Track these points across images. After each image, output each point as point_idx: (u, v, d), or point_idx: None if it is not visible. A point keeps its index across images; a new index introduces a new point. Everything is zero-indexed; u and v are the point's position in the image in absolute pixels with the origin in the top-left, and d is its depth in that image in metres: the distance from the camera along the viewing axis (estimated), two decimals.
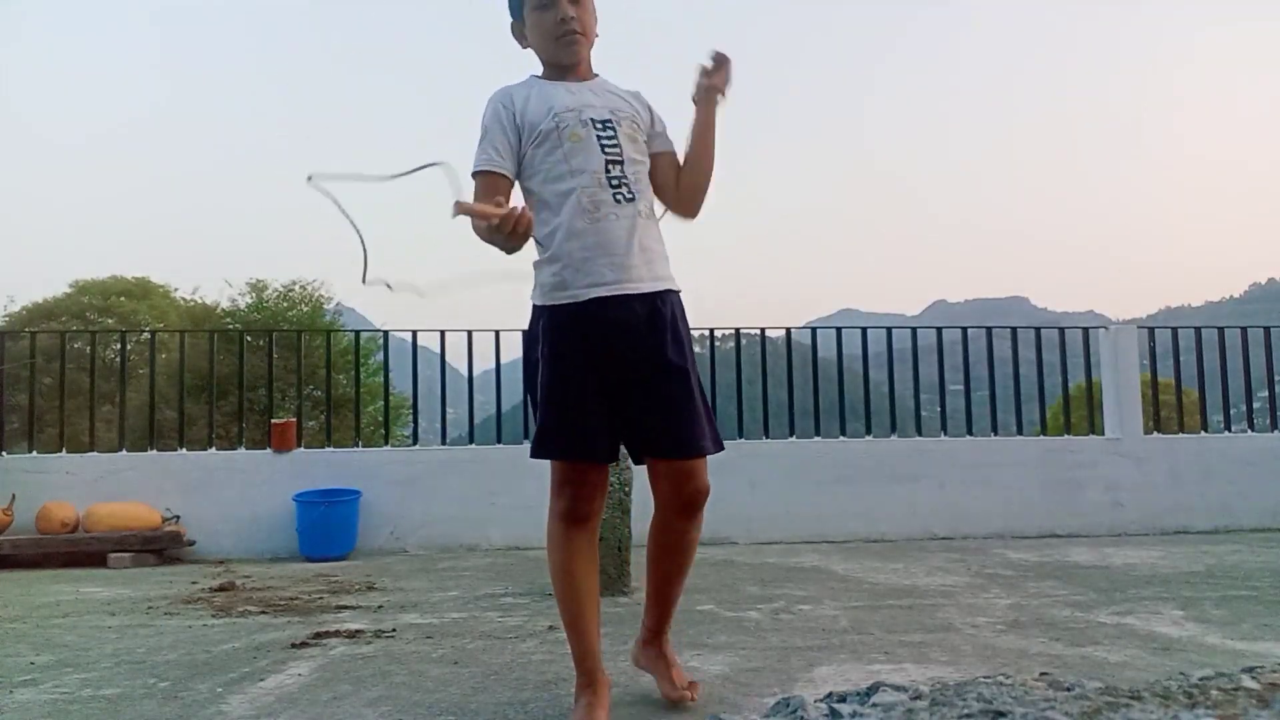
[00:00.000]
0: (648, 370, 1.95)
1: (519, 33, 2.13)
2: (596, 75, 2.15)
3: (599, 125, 2.01)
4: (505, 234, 1.74)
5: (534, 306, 2.04)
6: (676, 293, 2.05)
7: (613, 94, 2.11)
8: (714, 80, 2.11)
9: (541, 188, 2.02)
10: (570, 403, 1.94)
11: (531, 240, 1.92)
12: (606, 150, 2.00)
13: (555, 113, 2.01)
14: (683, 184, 2.14)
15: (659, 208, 2.13)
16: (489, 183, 1.99)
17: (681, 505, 2.00)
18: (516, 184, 2.06)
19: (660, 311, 1.98)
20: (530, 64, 2.16)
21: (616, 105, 2.08)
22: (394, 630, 3.06)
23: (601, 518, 2.10)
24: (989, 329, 7.06)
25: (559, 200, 1.98)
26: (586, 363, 1.94)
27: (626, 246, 1.96)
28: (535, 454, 1.96)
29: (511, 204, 1.80)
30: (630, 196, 1.99)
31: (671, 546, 2.08)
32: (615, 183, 1.98)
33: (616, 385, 1.95)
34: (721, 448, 2.02)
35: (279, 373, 9.97)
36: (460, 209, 1.71)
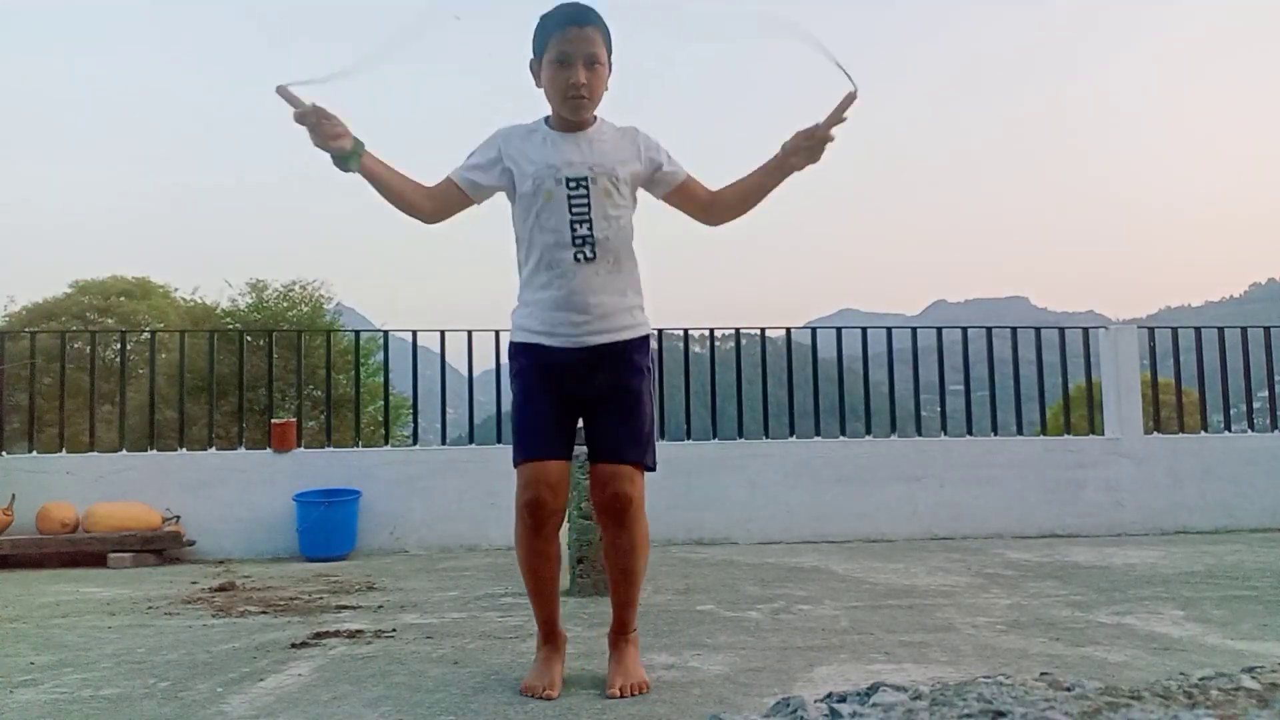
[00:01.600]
0: (594, 397, 2.22)
1: (535, 71, 2.26)
2: (596, 119, 2.28)
3: (571, 184, 2.18)
4: (310, 131, 2.01)
5: (511, 342, 2.31)
6: (634, 341, 2.25)
7: (603, 145, 2.25)
8: (811, 145, 2.16)
9: (517, 227, 2.28)
10: (528, 415, 2.22)
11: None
12: (573, 210, 2.18)
13: (536, 170, 2.20)
14: (719, 205, 2.32)
15: (628, 258, 2.27)
16: (447, 184, 2.26)
17: (604, 508, 2.21)
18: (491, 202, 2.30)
19: (608, 357, 2.21)
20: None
21: (599, 160, 2.22)
22: (394, 630, 3.06)
23: (562, 519, 2.25)
24: (989, 329, 7.06)
25: (529, 253, 2.24)
26: (542, 388, 2.22)
27: (580, 305, 2.18)
28: (514, 462, 2.21)
29: (319, 110, 2.02)
30: (590, 256, 2.18)
31: (609, 551, 2.28)
32: (578, 242, 2.18)
33: (572, 405, 2.23)
34: (648, 467, 2.24)
35: (279, 373, 9.97)
36: (279, 91, 1.99)
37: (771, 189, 2.27)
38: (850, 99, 2.09)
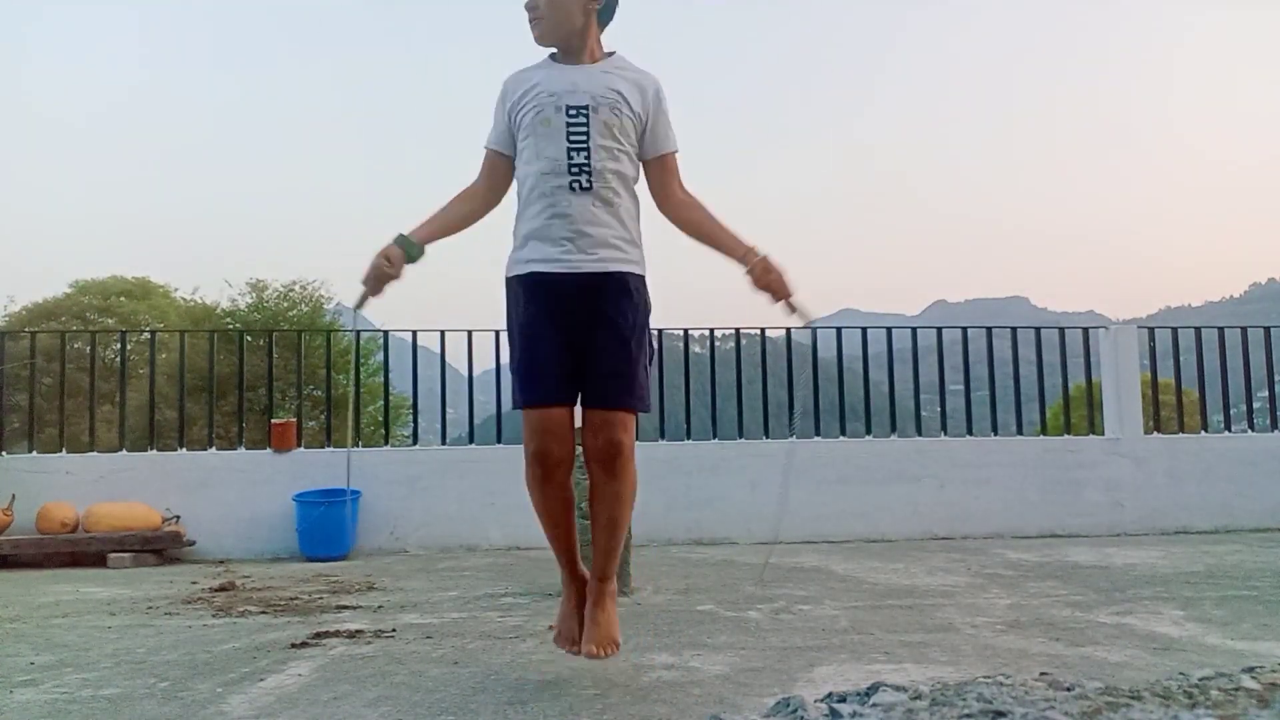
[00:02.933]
0: (586, 335, 2.19)
1: None
2: (612, 54, 2.29)
3: (571, 112, 2.18)
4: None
5: (505, 279, 2.30)
6: (624, 274, 2.21)
7: (611, 78, 2.23)
8: (773, 290, 2.24)
9: (519, 170, 2.28)
10: (528, 359, 2.21)
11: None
12: (571, 138, 2.17)
13: (537, 99, 2.21)
14: (680, 211, 2.32)
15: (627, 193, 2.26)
16: (487, 155, 2.32)
17: (596, 455, 2.20)
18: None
19: (601, 289, 2.18)
20: None
21: (603, 91, 2.20)
22: (394, 630, 3.06)
23: (571, 467, 2.25)
24: (989, 329, 7.06)
25: (524, 184, 2.24)
26: (540, 324, 2.20)
27: (572, 231, 2.17)
28: (515, 405, 2.24)
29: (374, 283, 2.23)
30: (586, 186, 2.17)
31: (596, 496, 2.26)
32: (575, 170, 2.17)
33: (571, 342, 2.19)
34: (640, 408, 2.24)
35: (279, 373, 9.97)
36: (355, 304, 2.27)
37: (719, 251, 2.30)
38: (799, 315, 2.26)
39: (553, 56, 2.29)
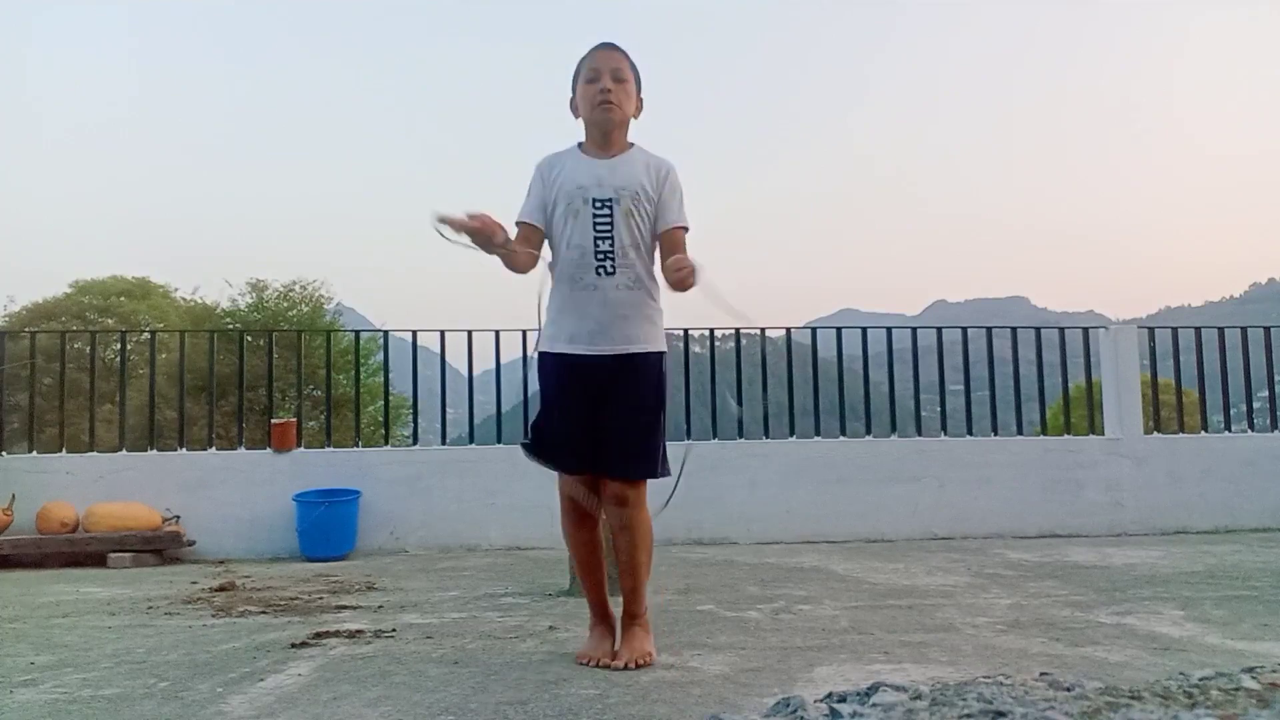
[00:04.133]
0: (607, 409, 2.42)
1: (573, 105, 2.55)
2: (632, 146, 2.52)
3: (598, 204, 2.41)
4: (481, 241, 2.26)
5: (539, 352, 2.53)
6: (644, 355, 2.44)
7: (631, 170, 2.46)
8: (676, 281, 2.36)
9: (552, 253, 2.50)
10: (554, 428, 2.46)
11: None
12: (598, 228, 2.40)
13: (567, 191, 2.44)
14: (665, 275, 2.46)
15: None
16: (523, 231, 2.49)
17: (607, 502, 2.46)
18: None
19: (624, 369, 2.41)
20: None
21: (625, 183, 2.43)
22: (394, 630, 3.06)
23: (601, 517, 2.51)
24: (989, 329, 7.06)
25: (558, 268, 2.47)
26: (568, 394, 2.44)
27: (600, 315, 2.41)
28: (526, 452, 2.49)
29: (473, 216, 2.25)
30: (611, 271, 2.40)
31: (615, 546, 2.52)
32: (600, 257, 2.40)
33: (593, 416, 2.41)
34: (649, 475, 2.46)
35: (279, 373, 9.97)
36: (440, 216, 2.21)
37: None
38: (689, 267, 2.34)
39: (580, 146, 2.52)
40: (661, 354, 2.50)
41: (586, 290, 2.40)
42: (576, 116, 2.54)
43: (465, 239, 2.26)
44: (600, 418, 2.41)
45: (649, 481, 2.50)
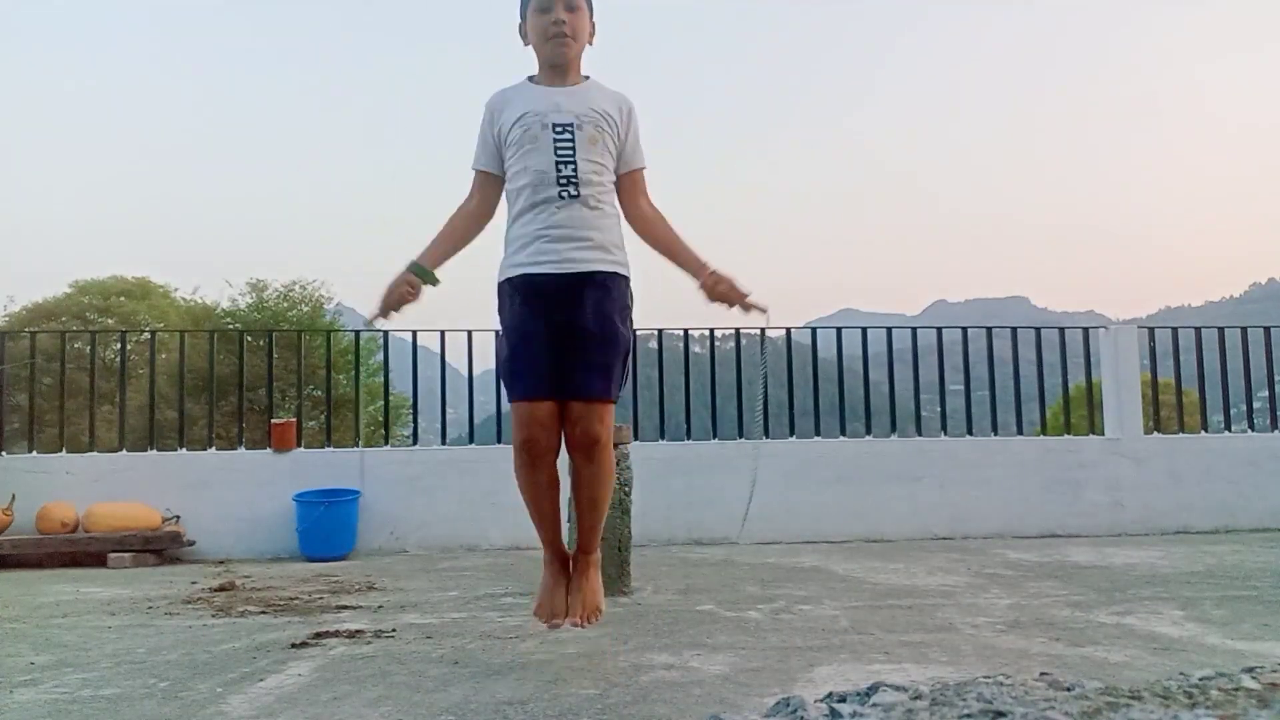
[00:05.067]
0: (569, 332, 2.33)
1: (522, 31, 2.47)
2: (587, 78, 2.46)
3: (557, 129, 2.35)
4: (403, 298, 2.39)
5: (497, 284, 2.46)
6: (610, 274, 2.38)
7: (589, 97, 2.41)
8: (723, 296, 2.41)
9: (509, 185, 2.43)
10: (517, 355, 2.36)
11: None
12: (559, 152, 2.34)
13: (523, 117, 2.37)
14: (645, 225, 2.49)
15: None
16: (479, 179, 2.48)
17: (576, 442, 2.38)
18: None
19: (587, 288, 2.34)
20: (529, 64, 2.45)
21: (584, 110, 2.38)
22: (394, 630, 3.05)
23: (556, 455, 2.41)
24: (989, 329, 7.06)
25: (515, 194, 2.40)
26: (529, 323, 2.35)
27: (561, 235, 2.33)
28: (510, 398, 2.39)
29: (393, 298, 2.39)
30: (574, 194, 2.34)
31: (577, 482, 2.46)
32: (563, 181, 2.34)
33: (558, 338, 2.33)
34: (610, 397, 2.38)
35: (279, 373, 9.97)
36: (370, 320, 2.43)
37: (676, 264, 2.48)
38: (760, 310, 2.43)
39: (531, 79, 2.46)
40: (626, 279, 2.44)
41: (549, 213, 2.34)
42: (526, 44, 2.47)
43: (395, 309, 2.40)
44: (563, 339, 2.33)
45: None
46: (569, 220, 2.34)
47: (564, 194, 2.33)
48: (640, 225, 2.49)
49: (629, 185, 2.46)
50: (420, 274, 2.42)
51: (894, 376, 6.94)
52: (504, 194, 2.46)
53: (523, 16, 2.45)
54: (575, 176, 2.34)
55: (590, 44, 2.46)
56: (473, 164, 2.48)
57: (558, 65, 2.41)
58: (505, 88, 2.47)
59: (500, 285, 2.43)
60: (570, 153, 2.34)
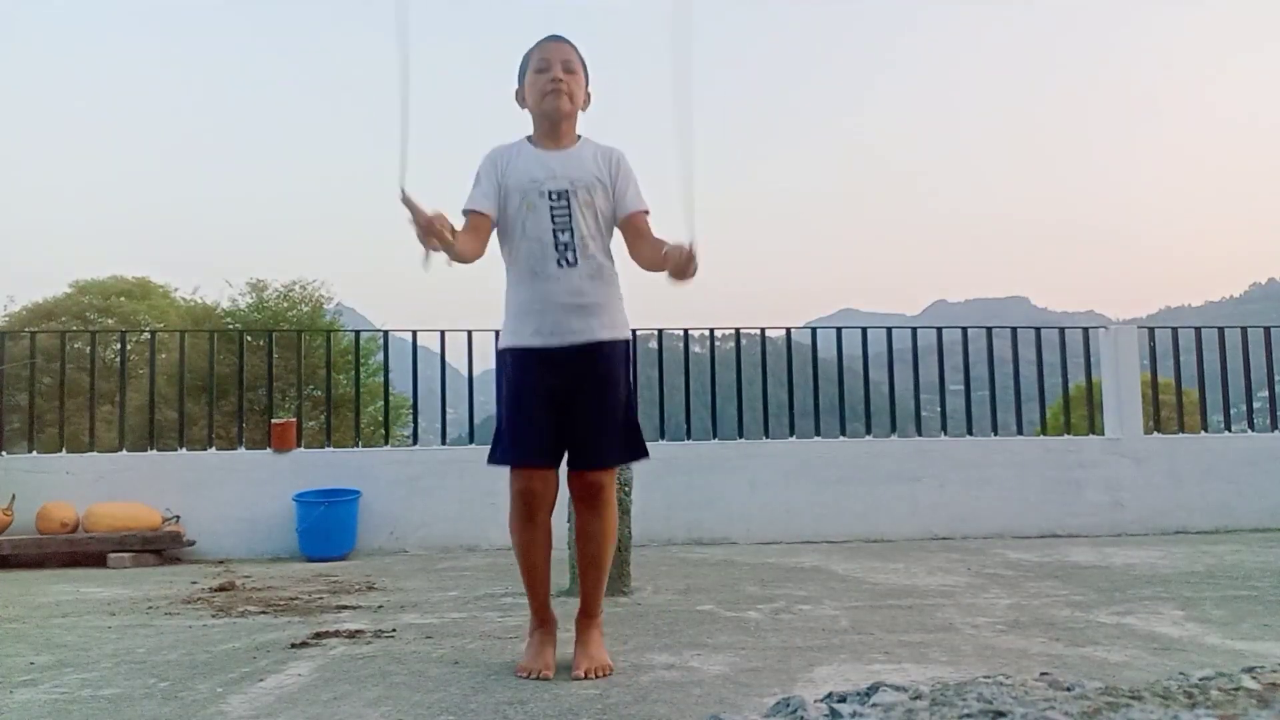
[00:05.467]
0: (574, 401, 2.38)
1: (519, 96, 2.53)
2: (580, 138, 2.52)
3: (554, 197, 2.39)
4: (423, 234, 2.12)
5: (497, 350, 2.50)
6: (608, 343, 2.41)
7: (583, 161, 2.45)
8: (678, 271, 2.24)
9: (507, 248, 2.47)
10: (518, 420, 2.39)
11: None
12: (555, 220, 2.38)
13: (521, 185, 2.41)
14: (641, 256, 2.46)
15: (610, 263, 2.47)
16: (471, 220, 2.44)
17: (580, 494, 2.42)
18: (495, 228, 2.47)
19: (589, 358, 2.38)
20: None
21: (579, 175, 2.42)
22: (394, 630, 3.06)
23: (552, 509, 2.43)
24: (989, 329, 7.06)
25: (514, 261, 2.44)
26: (531, 391, 2.38)
27: (562, 306, 2.37)
28: (490, 461, 2.42)
29: (436, 214, 2.14)
30: (572, 262, 2.38)
31: (581, 534, 2.47)
32: (561, 249, 2.38)
33: (558, 410, 2.37)
34: (614, 465, 2.45)
35: (279, 373, 9.97)
36: (404, 200, 2.10)
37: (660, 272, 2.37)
38: (689, 254, 2.21)
39: (529, 139, 2.50)
40: (626, 341, 2.49)
41: (549, 282, 2.37)
42: (523, 107, 2.52)
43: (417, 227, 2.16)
44: (567, 411, 2.37)
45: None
46: (569, 290, 2.37)
47: (562, 261, 2.37)
48: (645, 265, 2.46)
49: (631, 230, 2.47)
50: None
51: (894, 376, 6.94)
52: (501, 250, 2.47)
53: (520, 80, 2.51)
54: (572, 243, 2.37)
55: (584, 110, 2.52)
56: (465, 205, 2.45)
57: (553, 121, 2.45)
58: (505, 144, 2.52)
59: (500, 353, 2.47)
60: (566, 219, 2.38)
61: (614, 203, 2.47)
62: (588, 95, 2.53)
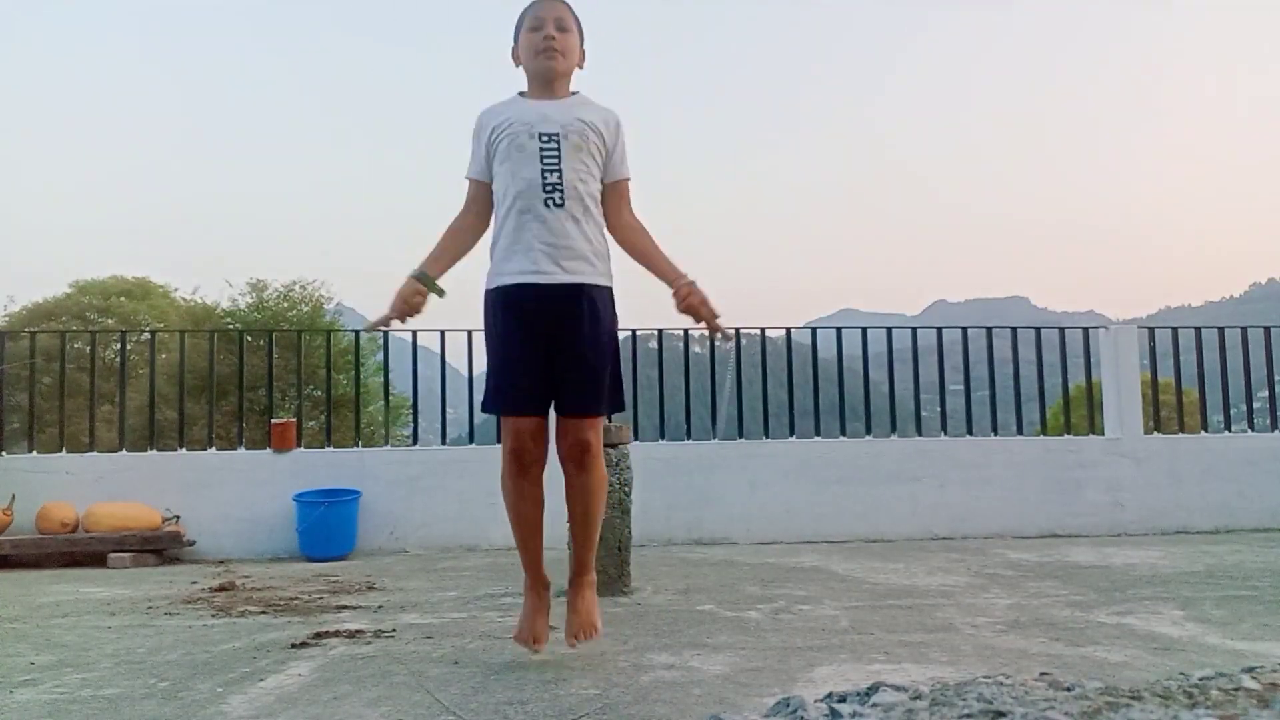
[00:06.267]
0: (557, 344, 2.38)
1: (514, 55, 2.55)
2: (575, 93, 2.54)
3: (544, 138, 2.41)
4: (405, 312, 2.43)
5: (484, 292, 2.49)
6: (594, 286, 2.43)
7: (576, 110, 2.47)
8: (698, 316, 2.48)
9: (496, 192, 2.48)
10: (506, 368, 2.41)
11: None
12: (545, 161, 2.39)
13: (510, 126, 2.43)
14: (625, 234, 2.53)
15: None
16: (472, 189, 2.54)
17: (568, 453, 2.43)
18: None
19: (573, 301, 2.39)
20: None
21: (571, 121, 2.43)
22: (394, 630, 3.06)
23: (544, 466, 2.45)
24: (989, 329, 7.06)
25: (502, 204, 2.45)
26: (517, 335, 2.39)
27: (547, 245, 2.38)
28: (484, 409, 2.46)
29: (398, 311, 2.43)
30: (560, 203, 2.39)
31: (571, 494, 2.49)
32: (549, 189, 2.39)
33: (545, 352, 2.38)
34: (609, 410, 2.49)
35: (279, 373, 9.97)
36: (369, 326, 2.47)
37: (653, 272, 2.52)
38: (724, 336, 2.52)
39: (521, 94, 2.53)
40: (610, 289, 2.50)
41: (535, 221, 2.38)
42: (517, 65, 2.55)
43: (397, 322, 2.44)
44: (554, 353, 2.38)
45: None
46: (555, 230, 2.38)
47: (549, 202, 2.38)
48: (622, 234, 2.53)
49: (614, 196, 2.52)
50: (427, 284, 2.47)
51: (894, 376, 6.94)
52: (494, 197, 2.51)
53: (516, 39, 2.53)
54: (561, 184, 2.38)
55: (580, 68, 2.54)
56: (466, 173, 2.54)
57: (547, 79, 2.48)
58: (495, 104, 2.54)
59: (487, 294, 2.47)
60: (556, 161, 2.39)
61: (607, 164, 2.50)
62: (582, 53, 2.55)
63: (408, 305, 2.44)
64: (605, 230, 2.52)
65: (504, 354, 2.41)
